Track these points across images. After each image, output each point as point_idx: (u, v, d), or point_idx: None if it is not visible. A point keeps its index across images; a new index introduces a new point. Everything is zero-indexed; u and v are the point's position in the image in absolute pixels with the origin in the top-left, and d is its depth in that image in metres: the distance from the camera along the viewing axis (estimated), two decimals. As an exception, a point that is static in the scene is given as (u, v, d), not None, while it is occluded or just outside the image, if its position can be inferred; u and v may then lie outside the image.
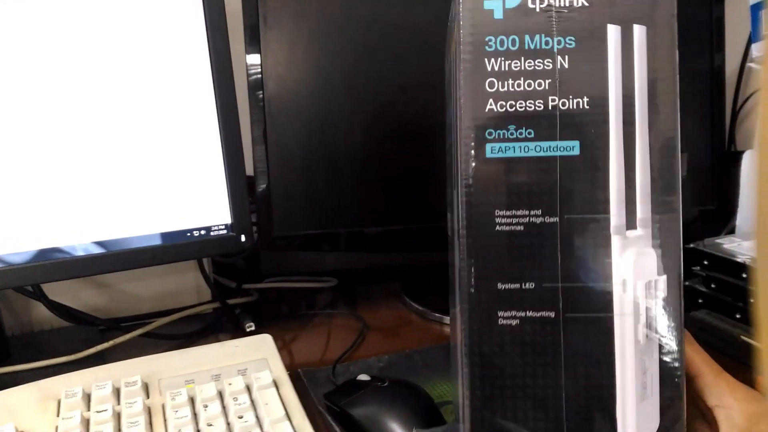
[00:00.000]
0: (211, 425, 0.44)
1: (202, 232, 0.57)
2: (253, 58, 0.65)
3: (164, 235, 0.55)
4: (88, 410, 0.46)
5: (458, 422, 0.37)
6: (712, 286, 0.60)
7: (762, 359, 0.34)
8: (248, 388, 0.48)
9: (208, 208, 0.57)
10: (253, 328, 0.66)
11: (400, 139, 0.68)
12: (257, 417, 0.45)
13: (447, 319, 0.70)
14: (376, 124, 0.68)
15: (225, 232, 0.58)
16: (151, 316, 0.69)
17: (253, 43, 0.64)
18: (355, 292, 0.81)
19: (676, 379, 0.33)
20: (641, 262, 0.33)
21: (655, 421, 0.34)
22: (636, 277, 0.33)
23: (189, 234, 0.56)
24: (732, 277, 0.58)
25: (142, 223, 0.54)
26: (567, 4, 0.32)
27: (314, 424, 0.46)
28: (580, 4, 0.32)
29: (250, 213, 0.59)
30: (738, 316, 0.58)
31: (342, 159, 0.68)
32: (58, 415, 0.46)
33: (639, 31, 0.32)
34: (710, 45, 0.74)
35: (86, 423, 0.45)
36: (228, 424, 0.44)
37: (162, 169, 0.55)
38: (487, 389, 0.34)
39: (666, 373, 0.34)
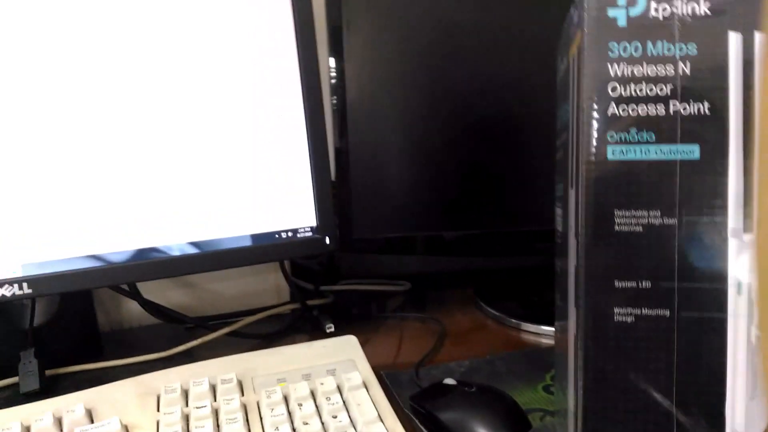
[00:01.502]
0: (307, 424, 0.44)
1: (290, 234, 0.58)
2: (335, 61, 0.66)
3: (254, 237, 0.56)
4: (187, 406, 0.47)
5: (570, 416, 0.37)
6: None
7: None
8: (339, 389, 0.49)
9: (296, 210, 0.58)
10: (332, 329, 0.67)
11: (479, 142, 0.68)
12: (350, 417, 0.46)
13: (525, 325, 0.69)
14: (456, 127, 0.68)
15: (311, 234, 0.59)
16: (233, 315, 0.71)
17: (335, 46, 0.66)
18: (429, 296, 0.81)
19: None
20: (756, 264, 0.33)
21: (763, 420, 0.34)
22: (751, 280, 0.33)
23: (277, 236, 0.57)
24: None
25: (234, 224, 0.56)
26: (690, 12, 0.33)
27: (403, 425, 0.46)
28: (702, 13, 0.33)
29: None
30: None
31: (421, 162, 0.69)
32: (158, 410, 0.47)
33: (760, 39, 0.33)
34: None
35: (186, 418, 0.46)
36: (323, 423, 0.45)
37: (253, 173, 0.56)
38: (600, 382, 0.35)
39: None
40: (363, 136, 0.67)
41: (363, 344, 0.56)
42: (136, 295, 0.63)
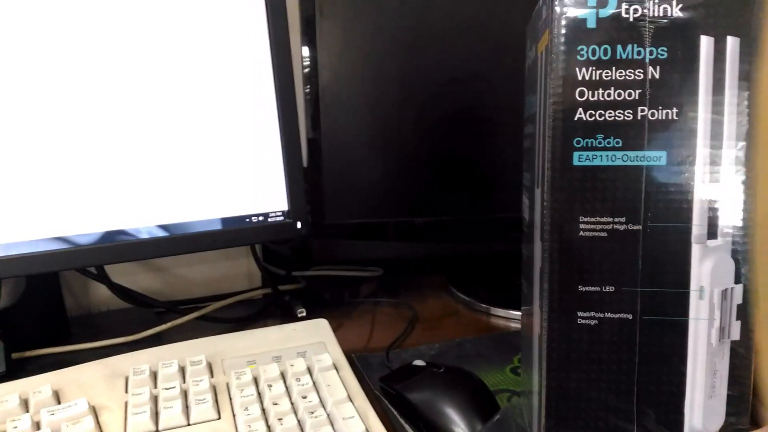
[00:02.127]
0: (276, 404, 0.45)
1: (260, 218, 0.58)
2: (308, 49, 0.66)
3: (224, 220, 0.56)
4: (156, 387, 0.47)
5: (533, 407, 0.38)
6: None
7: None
8: (309, 370, 0.49)
9: (267, 195, 0.58)
10: (304, 314, 0.67)
11: (451, 130, 0.69)
12: (320, 397, 0.46)
13: (495, 310, 0.70)
14: (428, 115, 0.68)
15: (282, 218, 0.59)
16: (204, 300, 0.71)
17: (308, 34, 0.65)
18: (400, 282, 0.82)
19: (745, 380, 0.34)
20: (719, 270, 0.34)
21: (721, 417, 0.35)
22: (713, 285, 0.34)
23: (248, 220, 0.57)
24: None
25: (204, 208, 0.55)
26: (661, 15, 0.32)
27: (372, 406, 0.47)
28: (674, 15, 0.32)
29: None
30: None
31: (393, 149, 0.69)
32: (126, 392, 0.47)
33: (732, 43, 0.32)
34: None
35: (155, 399, 0.46)
36: (292, 404, 0.45)
37: (224, 157, 0.56)
38: (564, 382, 0.35)
39: (735, 374, 0.35)
40: (336, 123, 0.68)
41: (335, 329, 0.56)
42: (104, 278, 0.62)
